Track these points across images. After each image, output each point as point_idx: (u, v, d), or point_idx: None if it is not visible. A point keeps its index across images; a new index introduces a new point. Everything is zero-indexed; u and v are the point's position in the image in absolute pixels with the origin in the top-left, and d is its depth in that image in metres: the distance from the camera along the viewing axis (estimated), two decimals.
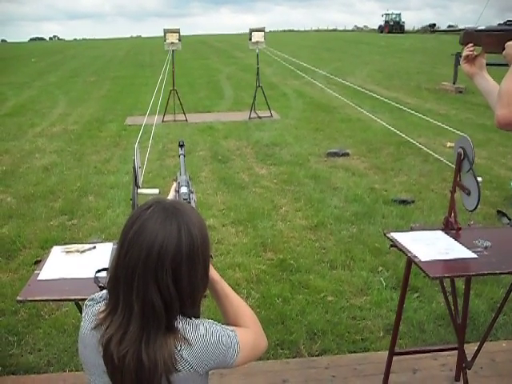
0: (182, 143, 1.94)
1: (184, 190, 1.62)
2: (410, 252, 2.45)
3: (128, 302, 1.29)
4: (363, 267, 4.57)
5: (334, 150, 8.64)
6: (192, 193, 1.64)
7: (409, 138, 9.03)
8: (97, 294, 1.45)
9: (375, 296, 4.07)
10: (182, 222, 1.31)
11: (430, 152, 8.20)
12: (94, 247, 2.40)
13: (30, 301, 2.04)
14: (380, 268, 4.54)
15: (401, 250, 2.49)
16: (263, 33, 11.44)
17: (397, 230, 2.72)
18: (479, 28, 2.31)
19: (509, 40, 2.08)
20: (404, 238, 2.57)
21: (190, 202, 1.59)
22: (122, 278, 1.30)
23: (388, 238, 2.60)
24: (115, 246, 1.31)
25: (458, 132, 8.27)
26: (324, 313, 3.86)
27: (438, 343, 3.44)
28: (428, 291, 4.11)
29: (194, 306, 1.37)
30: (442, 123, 9.93)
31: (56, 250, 2.41)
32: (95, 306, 1.42)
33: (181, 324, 1.34)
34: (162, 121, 11.14)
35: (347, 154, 8.50)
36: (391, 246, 2.56)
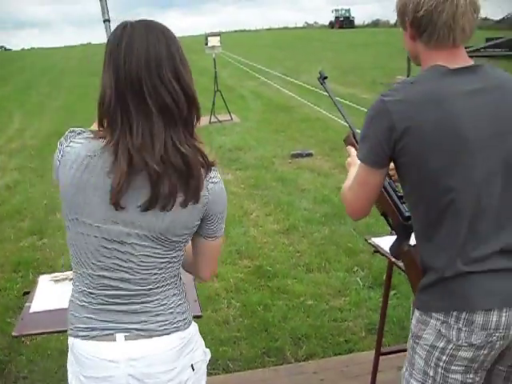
0: None
1: None
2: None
3: (143, 109, 1.37)
4: (339, 268, 4.66)
5: (297, 151, 8.73)
6: None
7: None
8: (73, 129, 1.48)
9: (354, 296, 4.16)
10: (160, 27, 1.42)
11: None
12: None
13: (26, 335, 2.03)
14: (355, 268, 4.63)
15: (384, 255, 2.55)
16: (219, 37, 11.49)
17: (377, 235, 2.79)
18: None
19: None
20: (386, 243, 2.64)
21: None
22: (128, 89, 1.36)
23: (370, 244, 2.67)
24: None
25: None
26: (306, 317, 3.92)
27: None
28: (404, 288, 4.20)
29: (195, 106, 1.44)
30: None
31: (43, 280, 2.39)
32: (80, 134, 1.45)
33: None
34: None
35: (311, 155, 8.61)
36: (374, 251, 2.63)
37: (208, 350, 1.70)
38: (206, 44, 11.46)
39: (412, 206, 1.68)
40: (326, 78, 2.18)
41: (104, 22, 1.98)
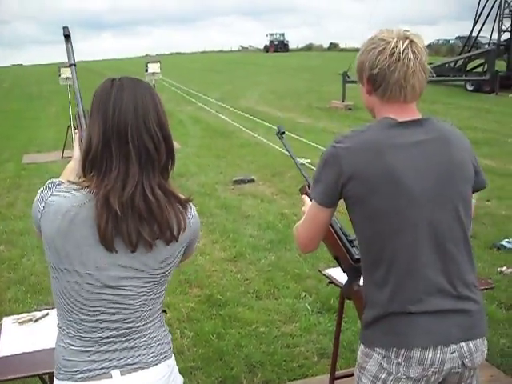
0: None
1: None
2: None
3: (124, 154, 1.48)
4: (287, 294, 4.79)
5: (239, 177, 8.86)
6: None
7: (304, 162, 9.24)
8: (52, 180, 1.55)
9: (304, 322, 4.29)
10: (144, 82, 1.61)
11: None
12: (47, 314, 2.42)
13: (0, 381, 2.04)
14: (303, 294, 4.77)
15: (338, 285, 2.70)
16: (159, 64, 11.58)
17: (330, 266, 2.94)
18: None
19: None
20: (338, 273, 2.79)
21: None
22: (114, 136, 1.48)
23: (324, 275, 2.81)
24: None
25: None
26: (259, 344, 4.02)
27: None
28: (351, 312, 4.30)
29: (173, 154, 1.58)
30: None
31: (7, 322, 2.40)
32: (60, 185, 1.52)
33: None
34: (62, 157, 10.85)
35: (253, 181, 8.75)
36: (329, 282, 2.77)
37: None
38: (146, 70, 11.52)
39: (358, 243, 1.85)
40: (283, 133, 2.35)
41: (70, 66, 2.04)
